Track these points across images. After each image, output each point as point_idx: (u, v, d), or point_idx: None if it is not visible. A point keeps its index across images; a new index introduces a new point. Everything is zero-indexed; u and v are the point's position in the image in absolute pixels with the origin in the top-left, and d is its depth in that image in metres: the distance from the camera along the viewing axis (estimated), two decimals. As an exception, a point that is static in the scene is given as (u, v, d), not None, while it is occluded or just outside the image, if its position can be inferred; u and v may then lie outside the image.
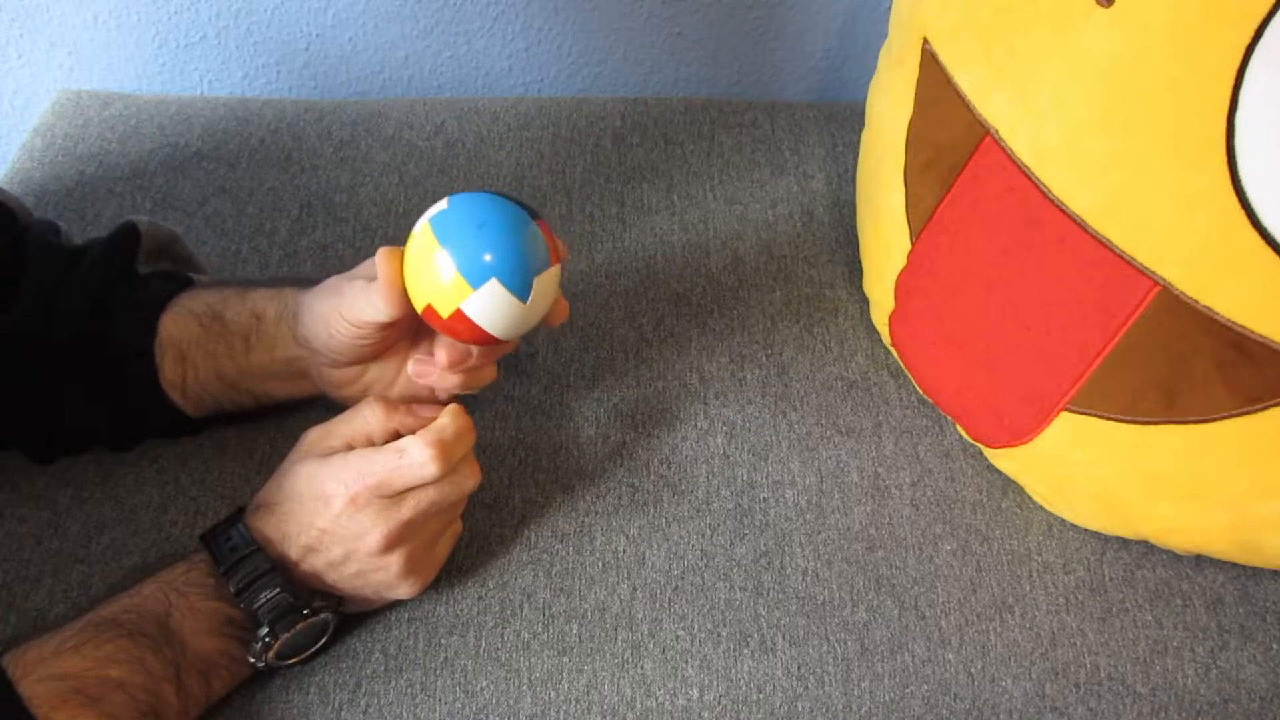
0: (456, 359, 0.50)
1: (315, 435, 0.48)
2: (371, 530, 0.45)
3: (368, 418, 0.47)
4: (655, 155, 0.77)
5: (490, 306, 0.45)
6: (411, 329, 0.52)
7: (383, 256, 0.47)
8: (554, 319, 0.50)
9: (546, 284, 0.47)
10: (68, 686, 0.40)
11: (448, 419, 0.47)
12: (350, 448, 0.47)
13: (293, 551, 0.46)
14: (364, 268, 0.51)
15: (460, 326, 0.46)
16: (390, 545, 0.46)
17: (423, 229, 0.46)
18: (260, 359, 0.53)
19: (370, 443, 0.47)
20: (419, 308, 0.47)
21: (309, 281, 0.53)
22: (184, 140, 0.74)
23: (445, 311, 0.46)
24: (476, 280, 0.45)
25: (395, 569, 0.47)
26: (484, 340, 0.47)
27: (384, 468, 0.45)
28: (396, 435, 0.47)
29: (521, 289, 0.46)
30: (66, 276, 0.52)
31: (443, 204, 0.47)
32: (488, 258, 0.45)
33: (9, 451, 0.55)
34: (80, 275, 0.52)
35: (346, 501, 0.45)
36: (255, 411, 0.56)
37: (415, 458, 0.45)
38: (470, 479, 0.48)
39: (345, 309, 0.48)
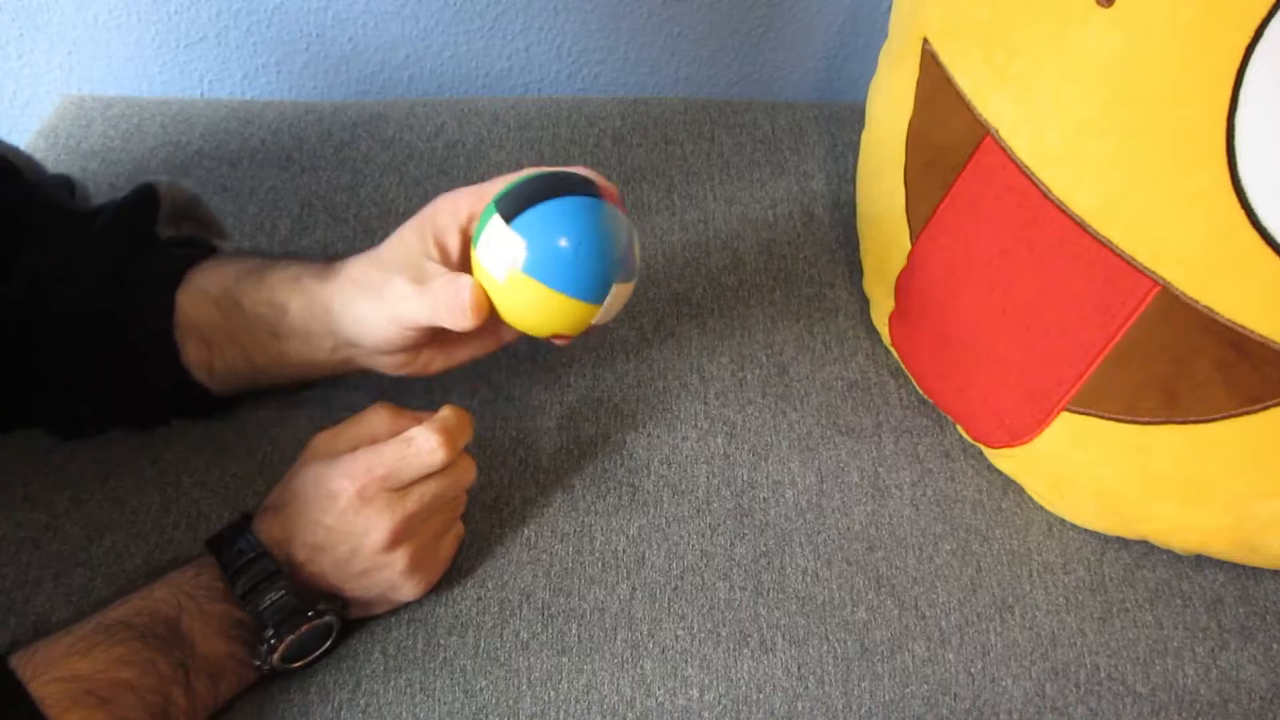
0: None
1: (321, 440, 0.48)
2: (377, 524, 0.45)
3: (374, 423, 0.48)
4: (655, 155, 0.77)
5: (613, 305, 0.46)
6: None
7: (474, 295, 0.45)
8: None
9: (637, 246, 0.47)
10: (79, 688, 0.40)
11: (448, 411, 0.47)
12: (356, 449, 0.47)
13: (300, 552, 0.46)
14: (391, 253, 0.48)
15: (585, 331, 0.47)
16: (396, 540, 0.46)
17: (518, 278, 0.43)
18: (296, 350, 0.51)
19: (375, 442, 0.47)
20: (541, 334, 0.46)
21: (322, 263, 0.51)
22: (185, 141, 0.74)
23: (575, 331, 0.46)
24: (600, 297, 0.45)
25: (400, 566, 0.47)
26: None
27: (392, 458, 0.45)
28: (400, 433, 0.47)
29: (632, 273, 0.46)
30: (77, 246, 0.49)
31: (514, 240, 0.43)
32: (602, 275, 0.44)
33: (33, 430, 0.54)
34: (92, 246, 0.49)
35: (354, 495, 0.45)
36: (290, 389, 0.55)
37: (423, 445, 0.45)
38: (468, 473, 0.49)
39: (397, 314, 0.47)
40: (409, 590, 0.49)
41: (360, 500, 0.45)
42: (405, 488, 0.46)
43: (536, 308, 0.44)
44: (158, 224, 0.53)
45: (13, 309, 0.49)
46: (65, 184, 0.54)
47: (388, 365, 0.52)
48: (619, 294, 0.46)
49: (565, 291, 0.44)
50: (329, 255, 0.52)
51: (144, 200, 0.52)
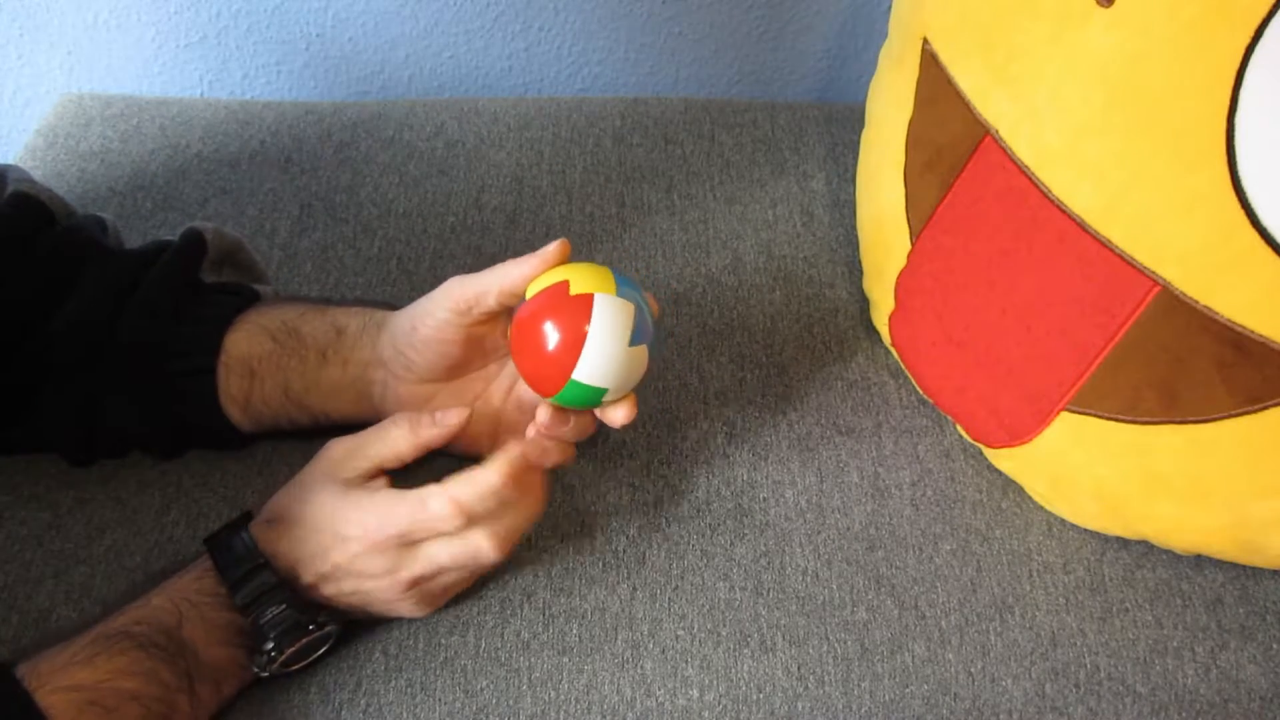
0: (555, 422, 0.49)
1: (341, 452, 0.47)
2: (384, 578, 0.46)
3: (396, 438, 0.47)
4: (655, 155, 0.77)
5: (623, 373, 0.46)
6: (488, 364, 0.53)
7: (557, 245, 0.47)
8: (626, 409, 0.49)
9: (643, 353, 0.47)
10: (84, 698, 0.40)
11: (486, 473, 0.45)
12: (380, 469, 0.47)
13: (306, 576, 0.46)
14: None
15: (576, 331, 0.45)
16: (403, 591, 0.47)
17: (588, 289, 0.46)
18: (332, 373, 0.52)
19: (401, 462, 0.47)
20: (574, 290, 0.46)
21: (388, 306, 0.54)
22: (185, 142, 0.74)
23: (569, 367, 0.45)
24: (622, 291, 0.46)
25: (406, 609, 0.49)
26: (566, 366, 0.46)
27: (406, 519, 0.45)
28: (426, 450, 0.47)
29: (628, 385, 0.47)
30: (129, 286, 0.52)
31: (609, 276, 0.47)
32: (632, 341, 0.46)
33: (49, 455, 0.54)
34: (145, 287, 0.52)
35: (366, 548, 0.45)
36: (310, 431, 0.54)
37: (435, 510, 0.44)
38: (490, 553, 0.45)
39: (455, 291, 0.48)
40: (409, 612, 0.49)
41: (372, 551, 0.45)
42: (417, 543, 0.46)
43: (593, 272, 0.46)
44: (203, 269, 0.55)
45: (58, 342, 0.50)
46: (98, 224, 0.55)
47: (402, 399, 0.52)
48: (621, 313, 0.46)
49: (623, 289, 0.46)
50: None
51: (192, 246, 0.54)
